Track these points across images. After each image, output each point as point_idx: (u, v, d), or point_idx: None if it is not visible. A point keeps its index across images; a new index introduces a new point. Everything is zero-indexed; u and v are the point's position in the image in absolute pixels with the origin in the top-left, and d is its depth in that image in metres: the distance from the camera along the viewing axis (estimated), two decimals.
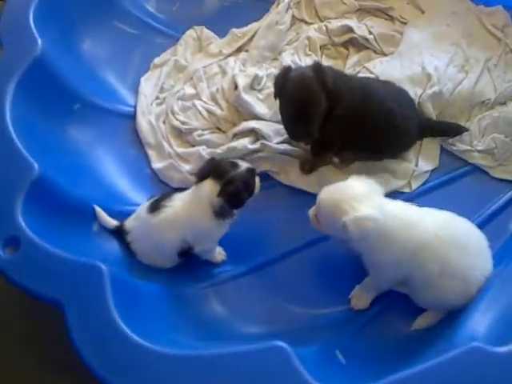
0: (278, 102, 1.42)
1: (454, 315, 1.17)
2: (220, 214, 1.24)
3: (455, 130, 1.56)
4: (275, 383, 0.95)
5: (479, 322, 1.11)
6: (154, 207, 1.30)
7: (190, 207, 1.26)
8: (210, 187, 1.24)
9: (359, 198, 1.12)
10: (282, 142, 1.56)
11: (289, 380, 0.94)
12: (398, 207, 1.19)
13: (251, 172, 1.28)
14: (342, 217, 1.10)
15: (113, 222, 1.37)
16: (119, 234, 1.36)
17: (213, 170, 1.25)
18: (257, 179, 1.30)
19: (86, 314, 1.05)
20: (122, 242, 1.35)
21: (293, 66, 1.45)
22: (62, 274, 1.10)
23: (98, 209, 1.38)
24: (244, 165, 1.27)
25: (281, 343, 0.98)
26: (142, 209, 1.33)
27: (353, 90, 1.41)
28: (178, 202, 1.29)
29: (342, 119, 1.39)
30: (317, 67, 1.37)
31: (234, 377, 0.96)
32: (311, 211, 1.23)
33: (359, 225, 1.10)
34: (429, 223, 1.17)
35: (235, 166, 1.26)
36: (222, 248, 1.40)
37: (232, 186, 1.22)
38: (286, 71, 1.39)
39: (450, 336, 1.12)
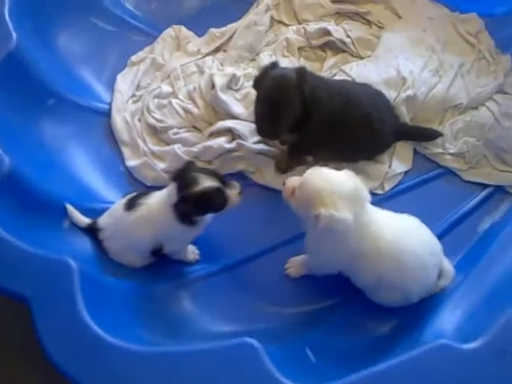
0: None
1: (423, 314, 1.19)
2: (182, 221, 1.23)
3: (430, 135, 1.57)
4: (243, 380, 0.95)
5: (448, 321, 1.13)
6: (131, 205, 1.28)
7: (160, 207, 1.25)
8: (171, 193, 1.22)
9: (344, 196, 1.09)
10: (258, 142, 1.56)
11: (257, 376, 0.94)
12: (372, 219, 1.17)
13: (210, 192, 1.20)
14: (319, 208, 1.07)
15: (85, 220, 1.35)
16: (91, 231, 1.34)
17: (179, 177, 1.22)
18: (232, 192, 1.23)
19: (53, 310, 1.03)
20: (93, 240, 1.33)
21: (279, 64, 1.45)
22: (29, 269, 1.08)
23: (69, 207, 1.36)
24: (205, 183, 1.19)
25: (249, 340, 0.97)
26: (118, 206, 1.32)
27: (333, 96, 1.41)
28: (153, 201, 1.27)
29: (320, 124, 1.39)
30: (301, 72, 1.37)
31: (201, 373, 0.95)
32: (290, 181, 1.18)
33: (331, 223, 1.08)
34: (381, 233, 1.16)
35: (195, 182, 1.19)
36: (196, 247, 1.39)
37: (183, 205, 1.20)
38: (271, 66, 1.40)
39: (418, 334, 1.14)
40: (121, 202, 1.32)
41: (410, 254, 1.16)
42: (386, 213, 1.22)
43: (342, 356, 1.18)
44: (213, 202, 1.22)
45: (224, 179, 1.25)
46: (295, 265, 1.35)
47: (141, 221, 1.26)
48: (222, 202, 1.23)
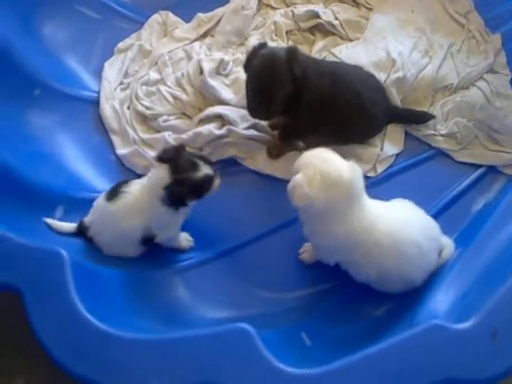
0: (244, 86, 1.41)
1: (416, 295, 1.19)
2: (165, 203, 1.21)
3: (421, 118, 1.56)
4: (237, 365, 0.94)
5: (441, 301, 1.13)
6: (113, 194, 1.27)
7: (145, 192, 1.24)
8: (162, 175, 1.20)
9: (330, 181, 1.08)
10: (249, 128, 1.55)
11: (251, 361, 0.94)
12: (367, 213, 1.15)
13: (208, 178, 1.22)
14: (298, 175, 1.09)
15: (71, 226, 1.32)
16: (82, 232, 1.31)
17: (174, 160, 1.21)
18: (216, 182, 1.25)
19: (47, 300, 1.02)
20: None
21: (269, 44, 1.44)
22: (21, 260, 1.07)
23: (49, 220, 1.31)
24: (204, 170, 1.21)
25: (243, 325, 0.97)
26: (100, 199, 1.30)
27: (323, 76, 1.40)
28: (135, 187, 1.26)
29: (311, 105, 1.38)
30: (291, 50, 1.36)
31: (195, 359, 0.95)
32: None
33: (295, 192, 1.08)
34: (377, 225, 1.14)
35: (195, 167, 1.20)
36: (189, 234, 1.39)
37: (178, 188, 1.19)
38: (260, 46, 1.39)
39: (412, 316, 1.14)
40: (102, 195, 1.30)
41: (408, 244, 1.15)
42: (381, 203, 1.21)
43: (338, 339, 1.17)
44: (206, 189, 1.23)
45: (212, 165, 1.26)
46: (308, 249, 1.34)
47: (125, 209, 1.24)
48: (209, 189, 1.24)
